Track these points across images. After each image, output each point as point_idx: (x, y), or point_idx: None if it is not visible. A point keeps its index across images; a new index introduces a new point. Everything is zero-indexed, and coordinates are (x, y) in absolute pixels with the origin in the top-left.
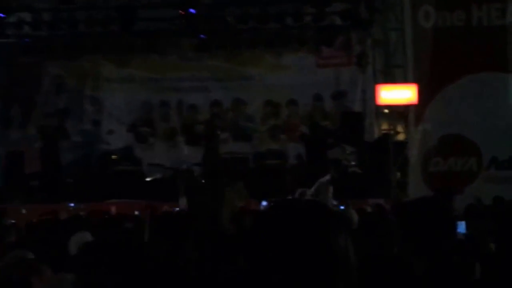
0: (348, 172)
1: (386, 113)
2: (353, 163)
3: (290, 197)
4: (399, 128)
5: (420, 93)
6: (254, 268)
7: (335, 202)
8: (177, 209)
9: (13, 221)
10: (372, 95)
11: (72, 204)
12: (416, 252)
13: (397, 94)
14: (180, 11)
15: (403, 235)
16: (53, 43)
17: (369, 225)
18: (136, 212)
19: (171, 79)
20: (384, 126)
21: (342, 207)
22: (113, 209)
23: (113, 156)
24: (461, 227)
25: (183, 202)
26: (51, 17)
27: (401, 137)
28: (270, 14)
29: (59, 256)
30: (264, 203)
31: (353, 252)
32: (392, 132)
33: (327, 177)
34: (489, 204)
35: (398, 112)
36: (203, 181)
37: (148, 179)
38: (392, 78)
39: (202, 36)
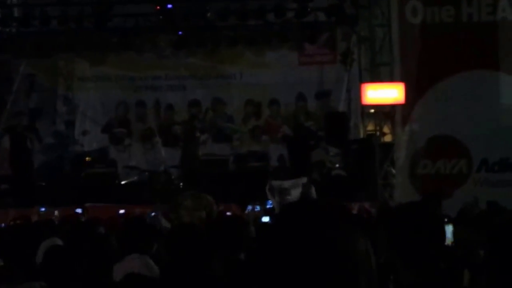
0: (332, 174)
1: (372, 113)
2: (337, 165)
3: (303, 199)
4: (386, 129)
5: (408, 92)
6: (270, 273)
7: None
8: (153, 214)
9: None
10: (358, 94)
11: (43, 209)
12: (403, 261)
13: (384, 93)
14: (157, 7)
15: (389, 243)
16: (24, 40)
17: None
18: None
19: (148, 77)
20: (370, 127)
21: None
22: (86, 213)
23: (87, 158)
24: (449, 231)
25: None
26: (22, 13)
27: (387, 138)
28: (250, 10)
29: (30, 263)
30: (249, 207)
31: (373, 255)
32: (378, 133)
33: (304, 179)
34: (481, 208)
35: (385, 112)
36: (181, 184)
37: (123, 182)
38: (378, 77)
39: (180, 32)
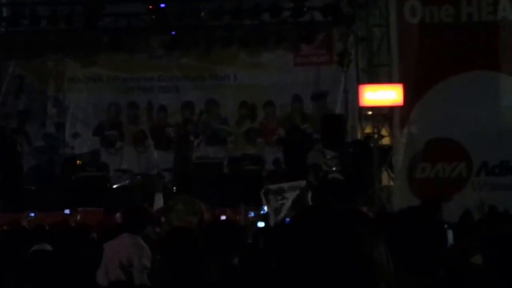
0: (328, 178)
1: (369, 115)
2: (334, 168)
3: (324, 204)
4: (384, 132)
5: (406, 94)
6: (287, 279)
7: None
8: None
9: None
10: (355, 96)
11: (32, 214)
12: (403, 265)
13: (381, 95)
14: (149, 6)
15: (389, 246)
16: (13, 40)
17: None
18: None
19: (140, 78)
20: (368, 129)
21: None
22: (78, 218)
23: (78, 161)
24: (450, 237)
25: (159, 204)
26: (11, 13)
27: (385, 140)
28: (245, 9)
29: (18, 270)
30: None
31: (391, 260)
32: (376, 135)
33: (303, 182)
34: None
35: (383, 114)
36: (174, 188)
37: (115, 185)
38: (376, 78)
39: (173, 32)
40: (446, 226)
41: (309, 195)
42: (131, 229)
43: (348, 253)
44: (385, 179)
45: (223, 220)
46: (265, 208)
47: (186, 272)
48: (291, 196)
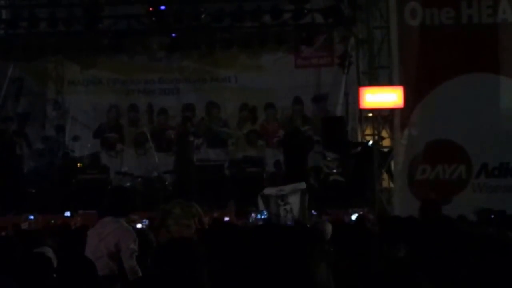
0: (329, 180)
1: (369, 117)
2: (334, 170)
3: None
4: (384, 134)
5: (406, 96)
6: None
7: (314, 213)
8: (146, 221)
9: None
10: (355, 98)
11: (31, 217)
12: (428, 273)
13: (382, 97)
14: (150, 8)
15: (413, 254)
16: (12, 42)
17: (346, 237)
18: None
19: (140, 81)
20: (368, 132)
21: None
22: (78, 221)
23: (78, 164)
24: None
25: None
26: (10, 15)
27: (386, 142)
28: (246, 11)
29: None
30: (253, 215)
31: (333, 280)
32: (376, 137)
33: (303, 184)
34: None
35: (383, 116)
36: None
37: None
38: (376, 80)
39: (173, 35)
40: None
41: (306, 198)
42: (114, 212)
43: (291, 269)
44: (385, 181)
45: (223, 222)
46: (264, 212)
47: (185, 283)
48: (293, 200)
